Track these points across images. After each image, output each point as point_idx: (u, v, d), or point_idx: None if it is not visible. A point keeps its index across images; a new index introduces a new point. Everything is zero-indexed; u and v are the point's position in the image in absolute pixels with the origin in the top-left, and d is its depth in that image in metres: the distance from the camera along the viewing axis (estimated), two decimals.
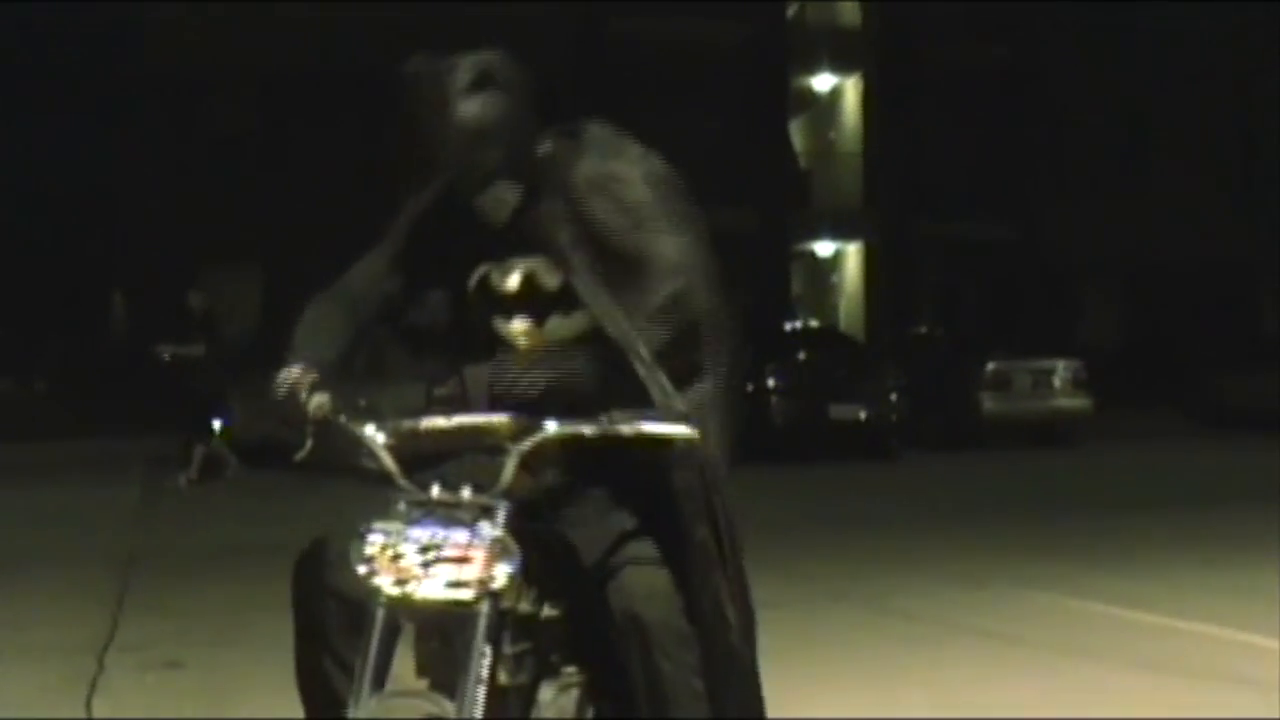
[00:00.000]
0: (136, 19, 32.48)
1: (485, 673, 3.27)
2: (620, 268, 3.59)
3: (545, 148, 3.66)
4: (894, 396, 21.74)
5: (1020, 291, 36.87)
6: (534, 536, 3.51)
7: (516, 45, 3.66)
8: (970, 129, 37.31)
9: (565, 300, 3.69)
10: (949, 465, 20.36)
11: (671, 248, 3.62)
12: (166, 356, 18.54)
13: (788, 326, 27.83)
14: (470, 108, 3.44)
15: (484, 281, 3.77)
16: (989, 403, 23.12)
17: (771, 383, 21.24)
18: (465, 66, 3.48)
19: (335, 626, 3.46)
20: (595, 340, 3.66)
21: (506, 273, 3.73)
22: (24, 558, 12.25)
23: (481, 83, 3.47)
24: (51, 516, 15.58)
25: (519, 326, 3.74)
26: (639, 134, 3.82)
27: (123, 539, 13.34)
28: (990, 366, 23.24)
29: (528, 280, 3.71)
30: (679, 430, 3.41)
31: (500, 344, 3.80)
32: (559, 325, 3.72)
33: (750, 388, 21.12)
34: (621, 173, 3.67)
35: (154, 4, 32.07)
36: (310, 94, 32.42)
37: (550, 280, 3.69)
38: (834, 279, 40.31)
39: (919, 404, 22.28)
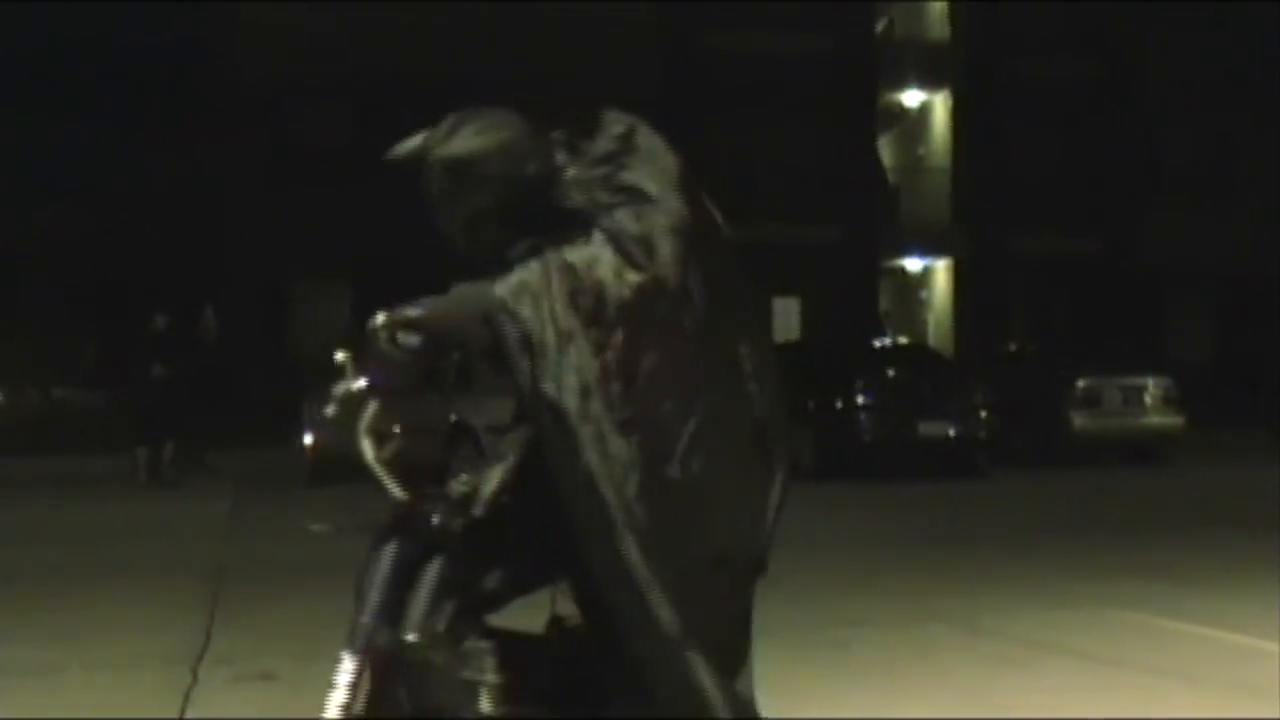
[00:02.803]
0: (229, 31, 32.76)
1: None
2: None
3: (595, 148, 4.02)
4: (983, 413, 21.60)
5: (1109, 305, 36.55)
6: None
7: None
8: (1058, 143, 37.08)
9: None
10: (1038, 483, 20.20)
11: None
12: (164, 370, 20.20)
13: (876, 343, 27.76)
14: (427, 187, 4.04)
15: None
16: (1079, 420, 22.92)
17: (860, 400, 21.20)
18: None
19: None
20: None
21: None
22: (118, 567, 12.43)
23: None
24: (144, 527, 15.78)
25: None
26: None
27: (212, 549, 13.49)
28: (1080, 383, 23.05)
29: None
30: None
31: None
32: None
33: (840, 405, 21.12)
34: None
35: (249, 5, 32.27)
36: (403, 106, 32.51)
37: None
38: (923, 295, 40.15)
39: (1008, 421, 22.12)
